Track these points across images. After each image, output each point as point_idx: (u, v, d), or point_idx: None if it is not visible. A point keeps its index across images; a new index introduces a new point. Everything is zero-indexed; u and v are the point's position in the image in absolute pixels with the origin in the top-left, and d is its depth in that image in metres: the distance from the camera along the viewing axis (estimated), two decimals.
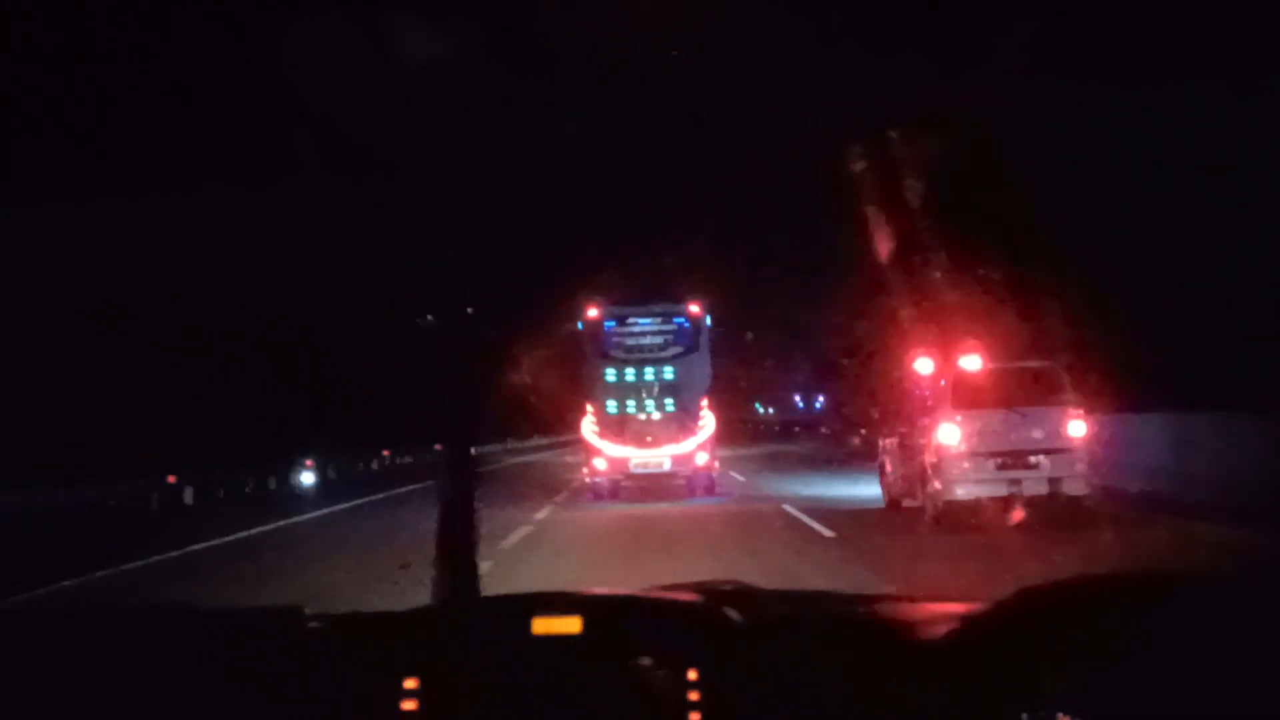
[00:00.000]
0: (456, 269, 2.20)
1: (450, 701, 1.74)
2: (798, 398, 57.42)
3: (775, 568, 9.91)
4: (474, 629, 1.88)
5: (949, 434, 13.01)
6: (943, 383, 13.65)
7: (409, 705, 1.72)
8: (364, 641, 1.86)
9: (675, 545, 12.30)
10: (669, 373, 19.17)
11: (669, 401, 19.07)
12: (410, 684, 1.74)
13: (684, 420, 18.89)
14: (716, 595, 2.05)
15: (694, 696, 1.70)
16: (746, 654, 1.77)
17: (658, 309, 19.64)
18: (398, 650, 1.80)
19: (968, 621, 1.61)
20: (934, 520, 13.09)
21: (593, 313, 19.31)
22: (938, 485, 13.12)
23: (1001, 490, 12.71)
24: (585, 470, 19.68)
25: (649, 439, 18.85)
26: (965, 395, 13.13)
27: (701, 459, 18.96)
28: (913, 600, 2.22)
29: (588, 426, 19.14)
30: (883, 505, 15.77)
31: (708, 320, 19.60)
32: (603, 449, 18.85)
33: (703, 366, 19.27)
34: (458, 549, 2.15)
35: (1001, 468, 12.81)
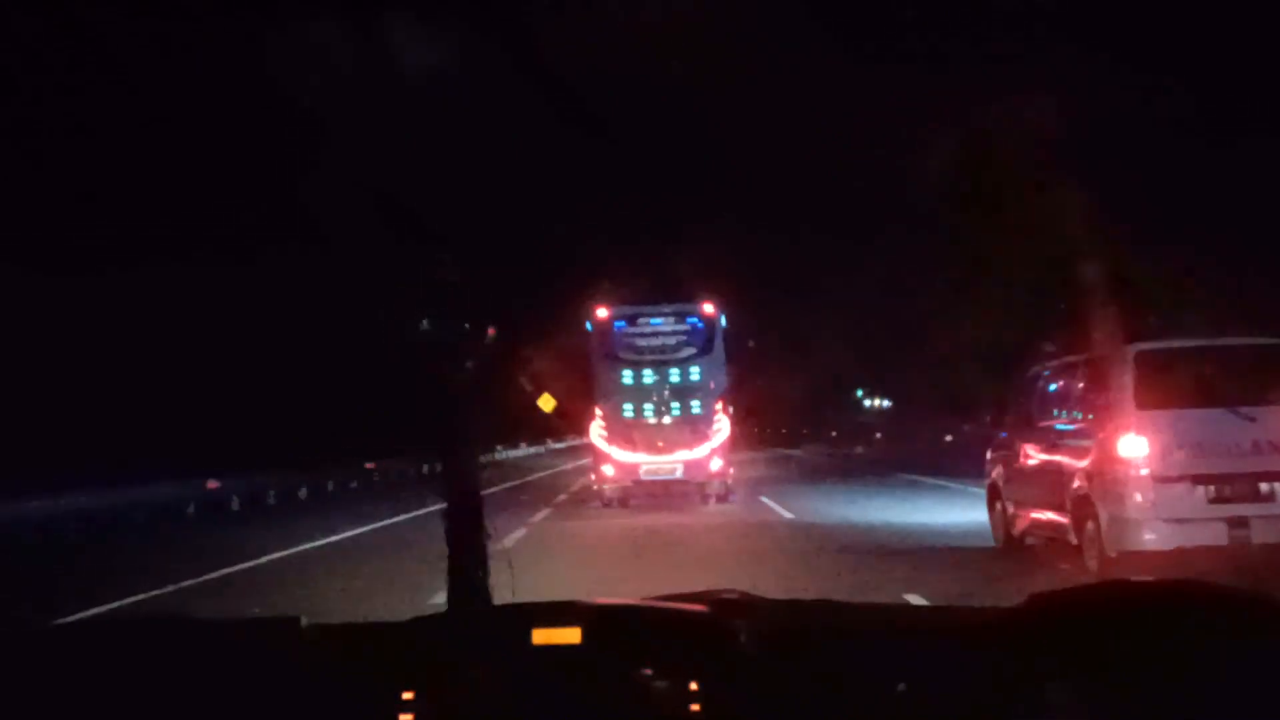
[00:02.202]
0: (457, 275, 2.17)
1: (448, 713, 1.72)
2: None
3: (781, 577, 9.05)
4: (473, 639, 1.86)
5: (1134, 446, 8.59)
6: (1118, 368, 8.99)
7: (406, 717, 1.70)
8: (361, 653, 1.84)
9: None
10: (681, 375, 18.61)
11: (681, 405, 18.51)
12: (408, 695, 1.72)
13: (697, 424, 18.34)
14: (719, 605, 2.02)
15: (696, 708, 1.68)
16: (749, 665, 1.74)
17: (670, 309, 19.06)
18: (395, 661, 1.78)
19: (974, 631, 1.59)
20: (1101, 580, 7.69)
21: (602, 312, 18.78)
22: (1110, 524, 8.67)
23: (1218, 536, 8.33)
24: (593, 477, 19.33)
25: (660, 444, 18.28)
26: (1156, 386, 8.77)
27: (715, 465, 18.38)
28: (919, 609, 2.19)
29: (596, 431, 18.67)
30: (993, 543, 11.32)
31: (723, 320, 18.97)
32: (612, 454, 18.35)
33: (717, 368, 18.70)
34: (466, 556, 2.12)
35: (1217, 500, 8.48)
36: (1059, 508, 9.58)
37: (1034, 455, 10.47)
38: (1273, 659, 1.34)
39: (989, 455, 11.90)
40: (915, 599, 8.03)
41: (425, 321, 2.06)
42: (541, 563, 10.63)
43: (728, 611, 1.95)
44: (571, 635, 1.75)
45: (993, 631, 1.53)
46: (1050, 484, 9.79)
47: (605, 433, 18.50)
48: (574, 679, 1.73)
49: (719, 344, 18.86)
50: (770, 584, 8.87)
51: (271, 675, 1.78)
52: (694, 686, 1.69)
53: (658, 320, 18.95)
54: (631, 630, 1.84)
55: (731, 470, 19.29)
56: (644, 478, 18.36)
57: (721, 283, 20.71)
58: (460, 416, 2.16)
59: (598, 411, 18.66)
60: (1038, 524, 10.28)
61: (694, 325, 18.87)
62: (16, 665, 1.79)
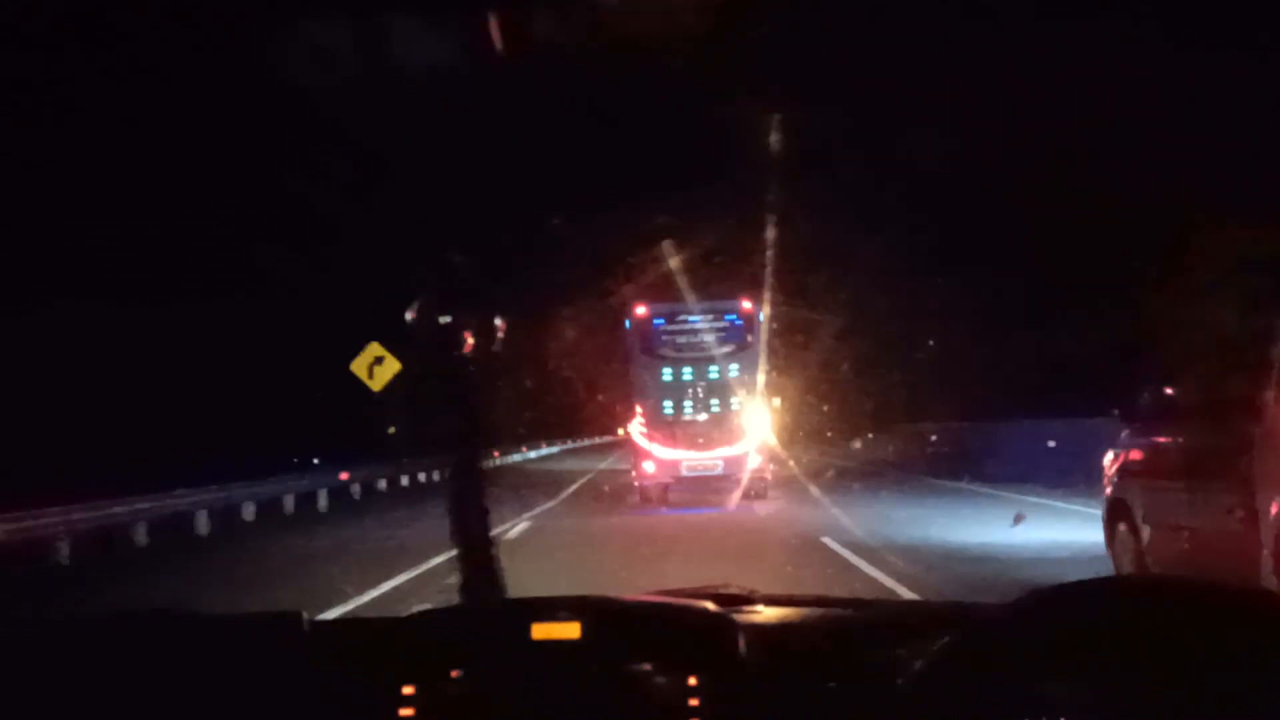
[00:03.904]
0: (468, 272, 2.17)
1: (448, 708, 1.72)
2: None
3: (778, 572, 9.01)
4: (472, 634, 1.86)
5: None
6: None
7: (406, 712, 1.70)
8: (362, 647, 1.85)
9: None
10: (720, 372, 18.70)
11: (721, 402, 18.64)
12: (408, 690, 1.72)
13: (737, 421, 18.46)
14: (717, 600, 2.01)
15: (694, 703, 1.67)
16: (747, 659, 1.73)
17: (708, 306, 19.07)
18: (395, 656, 1.79)
19: (972, 625, 1.56)
20: None
21: (641, 310, 18.89)
22: None
23: None
24: (634, 474, 19.44)
25: (700, 440, 18.41)
26: None
27: (755, 461, 18.45)
28: (917, 604, 2.16)
29: (636, 428, 18.83)
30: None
31: (761, 317, 19.00)
32: (653, 451, 18.49)
33: (756, 365, 18.76)
34: (475, 549, 2.11)
35: None
36: (1242, 537, 6.65)
37: (1193, 460, 7.48)
38: (1276, 658, 1.30)
39: (1110, 459, 8.73)
40: None
41: (439, 318, 2.05)
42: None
43: (725, 605, 1.94)
44: (570, 630, 1.75)
45: (992, 627, 1.50)
46: (1223, 502, 6.90)
47: (645, 430, 18.62)
48: (573, 673, 1.73)
49: (758, 340, 18.91)
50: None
51: (274, 670, 1.79)
52: (693, 682, 1.68)
53: (696, 318, 19.01)
54: (631, 625, 1.83)
55: (771, 466, 19.31)
56: (685, 474, 18.49)
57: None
58: (469, 411, 2.16)
59: (638, 409, 18.84)
60: (1195, 555, 7.28)
61: (732, 322, 18.95)
62: (20, 661, 1.81)
